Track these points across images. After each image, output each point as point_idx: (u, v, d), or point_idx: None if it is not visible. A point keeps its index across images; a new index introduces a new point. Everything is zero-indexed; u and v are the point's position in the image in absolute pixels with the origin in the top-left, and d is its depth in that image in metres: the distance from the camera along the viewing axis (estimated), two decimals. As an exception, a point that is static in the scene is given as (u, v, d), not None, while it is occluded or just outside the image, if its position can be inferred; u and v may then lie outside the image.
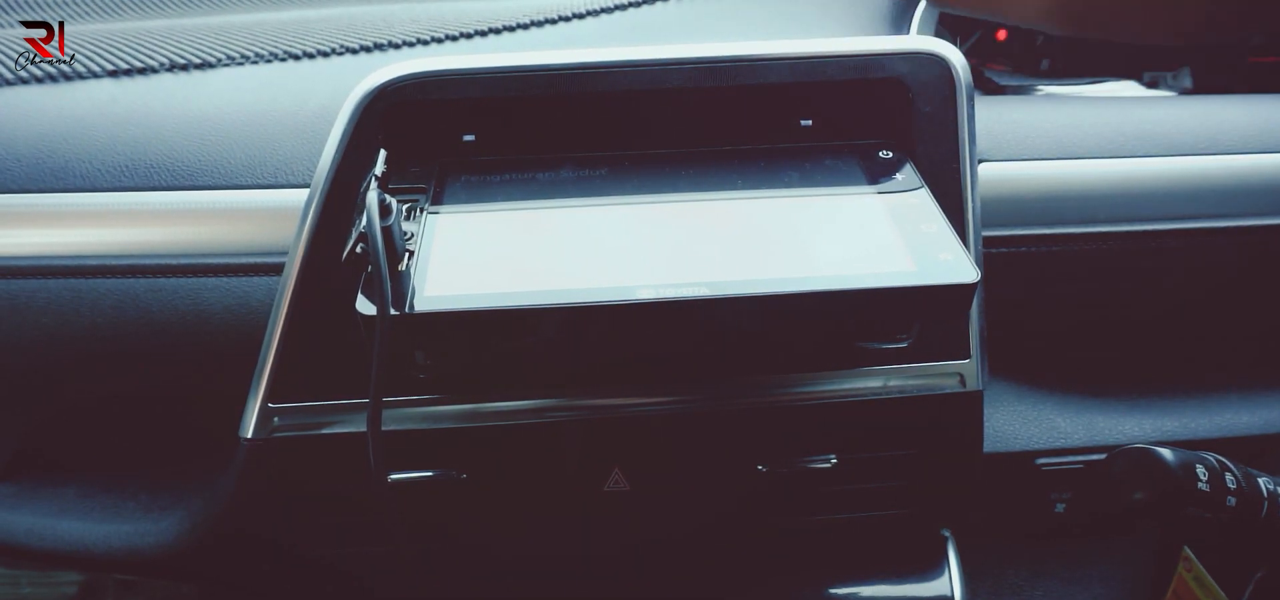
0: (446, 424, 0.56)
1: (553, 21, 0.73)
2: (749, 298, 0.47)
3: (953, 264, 0.49)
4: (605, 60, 0.57)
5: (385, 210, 0.48)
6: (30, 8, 0.82)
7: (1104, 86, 0.84)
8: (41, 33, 0.70)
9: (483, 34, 0.72)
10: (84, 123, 0.63)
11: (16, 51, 0.69)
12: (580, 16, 0.74)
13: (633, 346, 0.55)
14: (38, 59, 0.69)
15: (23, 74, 0.67)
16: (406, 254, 0.50)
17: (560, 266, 0.50)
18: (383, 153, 0.53)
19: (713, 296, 0.47)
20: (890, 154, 0.58)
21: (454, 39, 0.72)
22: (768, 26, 0.73)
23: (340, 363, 0.55)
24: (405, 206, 0.53)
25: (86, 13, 0.82)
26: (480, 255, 0.51)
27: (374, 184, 0.50)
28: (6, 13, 0.81)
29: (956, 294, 0.49)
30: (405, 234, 0.51)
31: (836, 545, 0.64)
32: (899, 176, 0.56)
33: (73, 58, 0.69)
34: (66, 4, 0.83)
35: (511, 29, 0.73)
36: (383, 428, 0.54)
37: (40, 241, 0.60)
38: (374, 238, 0.46)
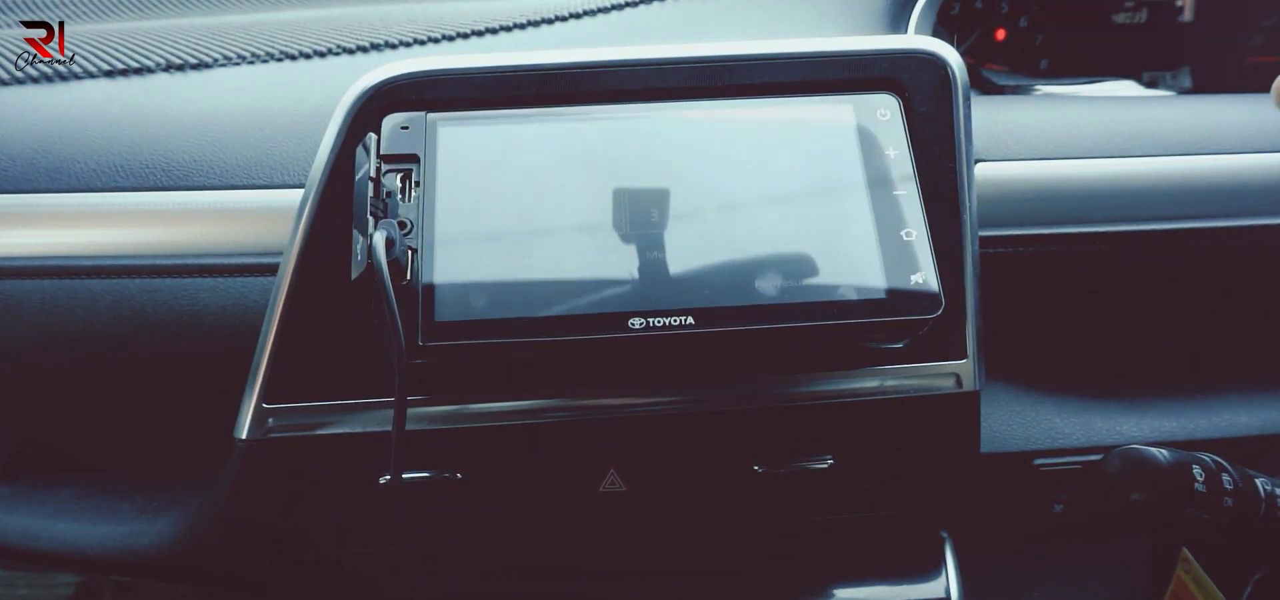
0: (442, 425, 0.56)
1: (549, 21, 0.73)
2: (727, 332, 0.51)
3: (921, 289, 0.52)
4: (601, 60, 0.57)
5: (390, 243, 0.49)
6: (30, 8, 0.82)
7: (1103, 86, 0.84)
8: (41, 33, 0.70)
9: (479, 34, 0.72)
10: (80, 123, 0.63)
11: (16, 52, 0.69)
12: (577, 16, 0.74)
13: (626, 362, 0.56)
14: (37, 59, 0.69)
15: (20, 74, 0.67)
16: (408, 253, 0.51)
17: (557, 260, 0.52)
18: (373, 137, 0.53)
19: (696, 332, 0.51)
20: (888, 113, 0.57)
21: (450, 39, 0.72)
22: (765, 27, 0.73)
23: (335, 363, 0.55)
24: (398, 177, 0.53)
25: (83, 13, 0.83)
26: (479, 242, 0.52)
27: (372, 223, 0.51)
28: (6, 13, 0.81)
29: (919, 323, 0.52)
30: (404, 228, 0.52)
31: (833, 546, 0.64)
32: (891, 152, 0.56)
33: (72, 58, 0.69)
34: (64, 4, 0.83)
35: (508, 29, 0.73)
36: (377, 429, 0.55)
37: (35, 242, 0.60)
38: (383, 280, 0.48)
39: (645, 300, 0.51)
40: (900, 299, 0.52)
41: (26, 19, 0.78)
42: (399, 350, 0.48)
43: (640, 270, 0.52)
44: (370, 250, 0.49)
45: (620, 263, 0.53)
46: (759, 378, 0.57)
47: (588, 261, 0.53)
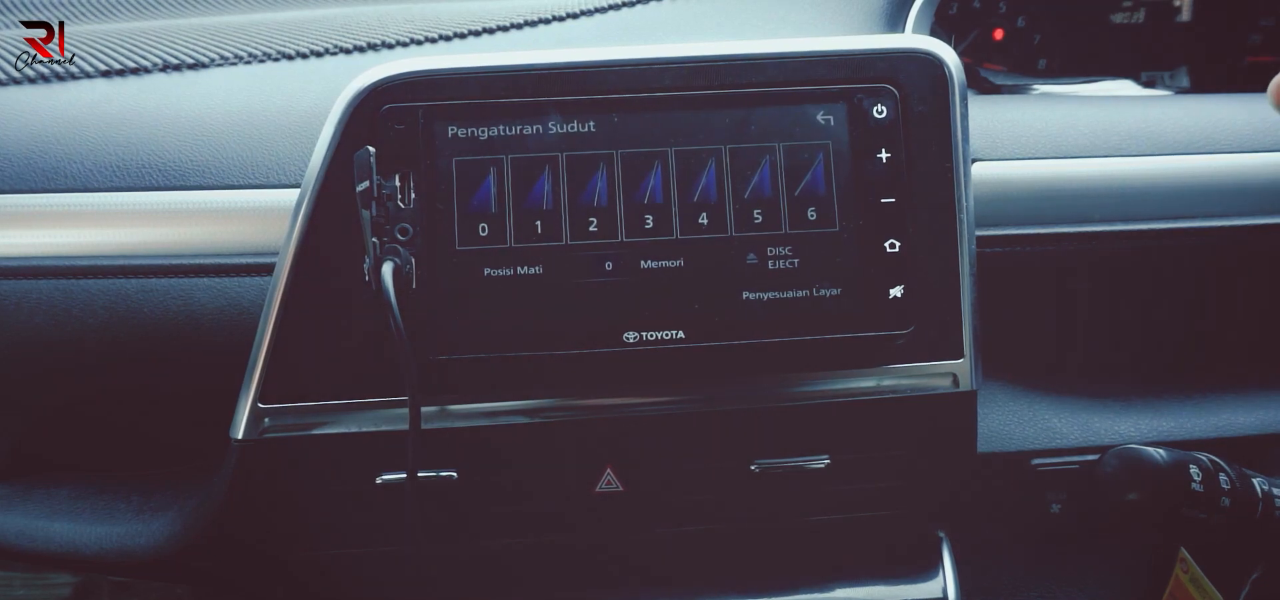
0: (437, 424, 0.56)
1: (547, 21, 0.73)
2: (717, 347, 0.54)
3: (896, 307, 0.55)
4: (598, 60, 0.57)
5: (397, 271, 0.51)
6: (30, 8, 0.82)
7: (1101, 86, 0.83)
8: (41, 33, 0.70)
9: (476, 34, 0.72)
10: (77, 123, 0.63)
11: (16, 52, 0.69)
12: (574, 16, 0.74)
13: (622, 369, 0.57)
14: (37, 59, 0.69)
15: (17, 74, 0.67)
16: (412, 261, 0.52)
17: (555, 267, 0.54)
18: (372, 150, 0.53)
19: (685, 346, 0.54)
20: (884, 110, 0.57)
21: (448, 39, 0.72)
22: (762, 27, 0.73)
23: (331, 363, 0.55)
24: (398, 177, 0.54)
25: (81, 13, 0.83)
26: (479, 248, 0.54)
27: (378, 245, 0.52)
28: (6, 13, 0.81)
29: (891, 339, 0.55)
30: (406, 234, 0.53)
31: (830, 546, 0.64)
32: (885, 156, 0.56)
33: (72, 58, 0.69)
34: (63, 4, 0.83)
35: (505, 29, 0.73)
36: (374, 429, 0.56)
37: (32, 242, 0.60)
38: (393, 313, 0.49)
39: (639, 314, 0.54)
40: (876, 314, 0.55)
41: (26, 19, 0.78)
42: (411, 370, 0.50)
43: (636, 280, 0.54)
44: (378, 281, 0.50)
45: (617, 271, 0.54)
46: (756, 377, 0.57)
47: (585, 270, 0.54)
